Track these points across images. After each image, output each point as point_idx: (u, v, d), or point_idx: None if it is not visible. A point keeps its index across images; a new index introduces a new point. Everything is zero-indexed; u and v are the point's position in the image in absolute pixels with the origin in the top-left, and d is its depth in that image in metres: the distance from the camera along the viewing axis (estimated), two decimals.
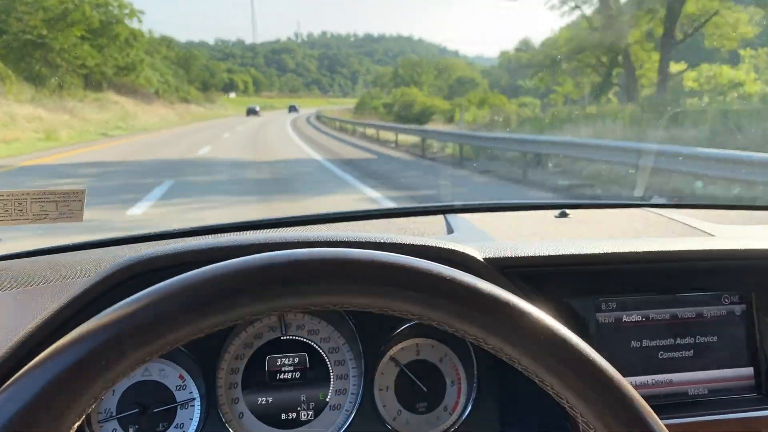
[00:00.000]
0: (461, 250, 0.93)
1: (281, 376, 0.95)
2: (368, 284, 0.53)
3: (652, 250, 1.00)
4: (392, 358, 0.98)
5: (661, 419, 0.55)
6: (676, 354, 0.99)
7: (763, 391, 1.01)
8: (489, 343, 0.54)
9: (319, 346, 0.97)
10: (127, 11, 31.85)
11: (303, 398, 0.95)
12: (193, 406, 0.92)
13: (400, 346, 0.99)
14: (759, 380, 1.01)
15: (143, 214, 7.18)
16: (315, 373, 0.96)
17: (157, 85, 36.43)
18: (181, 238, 1.24)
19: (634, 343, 0.98)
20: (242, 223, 1.36)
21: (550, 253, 0.98)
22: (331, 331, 0.97)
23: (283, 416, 0.95)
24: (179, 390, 0.92)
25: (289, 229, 1.32)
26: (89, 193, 1.00)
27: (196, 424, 0.92)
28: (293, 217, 1.40)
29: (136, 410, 0.90)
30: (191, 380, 0.93)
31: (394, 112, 29.45)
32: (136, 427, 0.90)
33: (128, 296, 0.52)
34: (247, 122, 35.80)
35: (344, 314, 0.96)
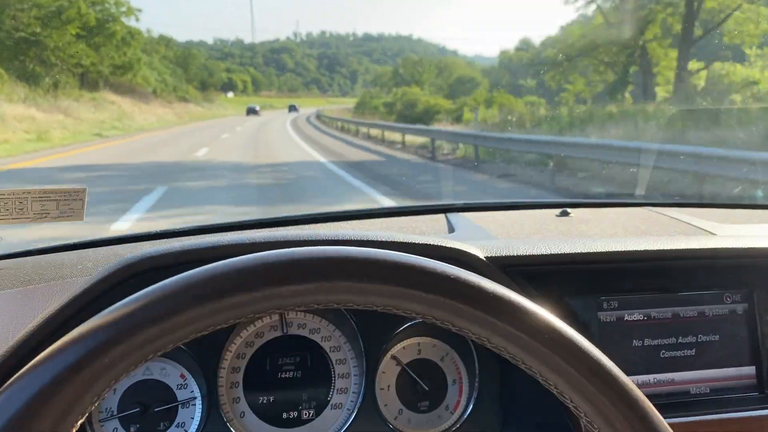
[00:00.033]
0: (463, 248, 0.93)
1: (282, 375, 0.94)
2: (373, 283, 0.53)
3: (654, 249, 1.00)
4: (394, 357, 0.98)
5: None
6: (678, 353, 0.99)
7: (765, 390, 1.00)
8: (493, 343, 0.54)
9: (320, 345, 0.96)
10: (124, 9, 31.30)
11: (304, 397, 0.95)
12: (195, 405, 0.91)
13: (401, 344, 0.98)
14: (761, 379, 1.00)
15: (130, 228, 6.37)
16: (316, 372, 0.95)
17: (154, 84, 35.99)
18: (181, 237, 1.23)
19: (635, 342, 0.98)
20: (243, 222, 1.35)
21: (552, 252, 0.98)
22: (333, 329, 0.96)
23: (284, 415, 0.94)
24: (180, 389, 0.91)
25: (290, 227, 1.31)
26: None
27: (198, 423, 0.91)
28: (294, 216, 1.38)
29: (137, 409, 0.89)
30: (192, 379, 0.92)
31: (396, 111, 29.33)
32: (137, 426, 0.90)
33: (129, 295, 0.52)
34: (246, 122, 35.32)
35: (346, 313, 0.96)
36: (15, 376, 0.49)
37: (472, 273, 0.55)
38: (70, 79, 26.11)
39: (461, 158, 13.89)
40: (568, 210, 1.42)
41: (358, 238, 0.90)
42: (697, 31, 16.89)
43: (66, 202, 0.97)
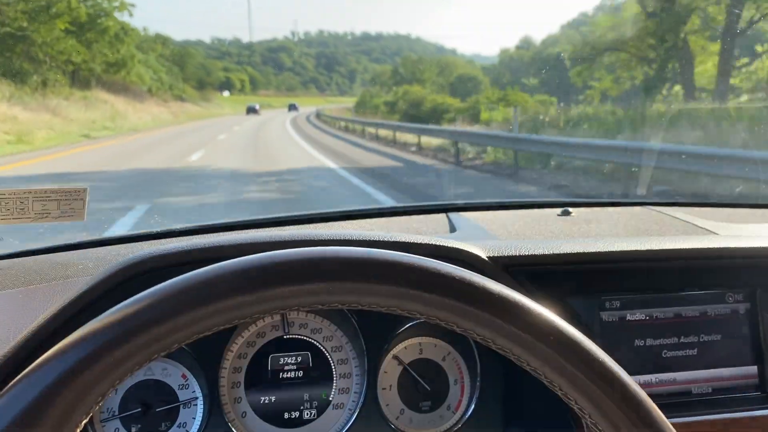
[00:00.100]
0: (465, 248, 0.93)
1: (284, 375, 0.94)
2: (378, 284, 0.53)
3: (656, 249, 1.01)
4: (395, 357, 0.98)
5: None
6: (680, 353, 0.99)
7: (767, 389, 1.00)
8: (498, 344, 0.55)
9: (321, 345, 0.96)
10: (116, 4, 29.70)
11: (306, 397, 0.95)
12: (196, 405, 0.91)
13: (403, 344, 0.98)
14: (763, 379, 1.01)
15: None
16: (318, 372, 0.96)
17: (149, 82, 34.62)
18: (183, 237, 1.22)
19: (638, 342, 0.98)
20: (244, 221, 1.34)
21: (554, 252, 0.98)
22: (334, 329, 0.96)
23: (285, 415, 0.94)
24: (182, 389, 0.91)
25: (291, 227, 1.31)
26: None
27: (199, 423, 0.91)
28: (295, 215, 1.37)
29: (139, 410, 0.89)
30: (194, 379, 0.92)
31: (400, 110, 27.77)
32: (139, 426, 0.90)
33: (131, 295, 0.52)
34: (244, 122, 33.81)
35: (347, 313, 0.96)
36: (18, 376, 0.49)
37: (478, 274, 0.56)
38: (60, 77, 25.69)
39: (491, 163, 11.92)
40: (570, 209, 1.41)
41: (361, 239, 0.90)
42: (742, 23, 15.02)
43: (67, 202, 0.98)
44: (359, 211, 1.44)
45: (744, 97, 14.40)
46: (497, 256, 0.94)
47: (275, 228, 1.29)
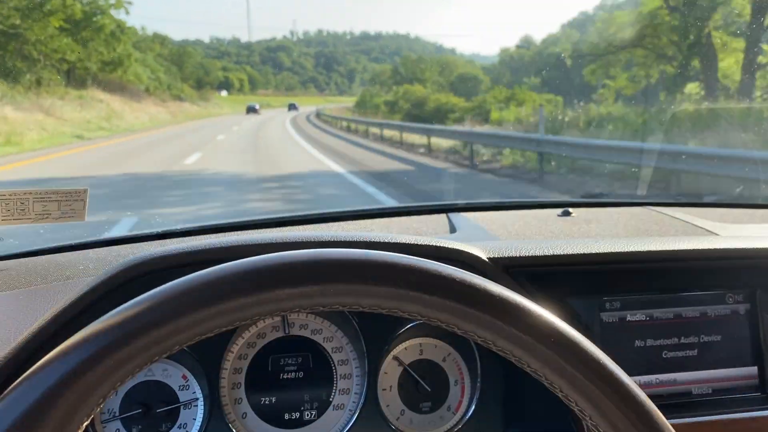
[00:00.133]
0: (465, 249, 0.93)
1: (284, 376, 0.94)
2: (379, 286, 0.53)
3: (656, 249, 1.01)
4: (395, 358, 0.98)
5: None
6: (680, 353, 0.99)
7: (767, 390, 1.01)
8: (499, 346, 0.55)
9: (322, 346, 0.96)
10: (113, 1, 28.82)
11: (306, 398, 0.95)
12: (197, 406, 0.92)
13: (403, 345, 0.99)
14: (763, 380, 1.01)
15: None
16: (318, 372, 0.96)
17: (147, 81, 34.02)
18: (184, 237, 1.23)
19: (638, 343, 0.98)
20: (245, 221, 1.34)
21: (555, 253, 0.98)
22: (335, 330, 0.97)
23: (286, 416, 0.94)
24: (182, 390, 0.92)
25: (292, 228, 1.31)
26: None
27: (200, 424, 0.91)
28: (296, 216, 1.38)
29: (139, 410, 0.89)
30: (194, 380, 0.92)
31: (401, 109, 27.00)
32: (139, 427, 0.90)
33: (132, 296, 0.53)
34: (243, 121, 33.37)
35: (348, 313, 0.96)
36: (20, 378, 0.49)
37: (478, 276, 0.56)
38: (54, 76, 25.03)
39: (510, 167, 10.98)
40: (570, 210, 1.42)
41: (360, 240, 0.91)
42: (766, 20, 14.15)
43: (67, 203, 0.97)
44: (359, 211, 1.46)
45: None
46: (497, 257, 0.95)
47: (276, 228, 1.30)
